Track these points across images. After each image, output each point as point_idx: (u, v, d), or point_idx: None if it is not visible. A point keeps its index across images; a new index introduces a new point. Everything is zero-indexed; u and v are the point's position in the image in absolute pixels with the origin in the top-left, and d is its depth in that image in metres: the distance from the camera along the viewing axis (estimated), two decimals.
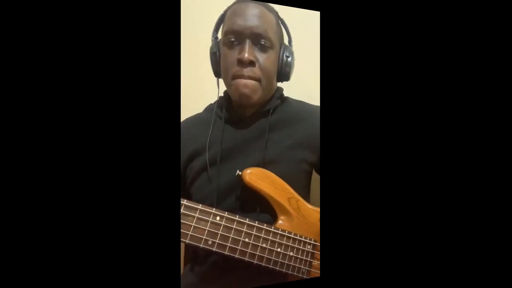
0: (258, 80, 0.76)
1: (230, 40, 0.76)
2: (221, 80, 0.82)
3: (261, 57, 0.76)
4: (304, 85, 0.97)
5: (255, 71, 0.75)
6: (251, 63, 0.74)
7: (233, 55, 0.76)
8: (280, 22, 0.82)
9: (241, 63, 0.74)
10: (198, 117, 0.88)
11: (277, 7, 0.82)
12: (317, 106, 0.86)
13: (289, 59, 0.80)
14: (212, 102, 0.89)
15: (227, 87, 0.81)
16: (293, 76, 0.85)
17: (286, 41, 0.84)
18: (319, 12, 0.63)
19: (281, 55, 0.80)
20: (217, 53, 0.80)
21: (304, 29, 0.97)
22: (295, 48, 0.84)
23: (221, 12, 0.81)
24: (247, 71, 0.74)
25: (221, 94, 0.85)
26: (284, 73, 0.81)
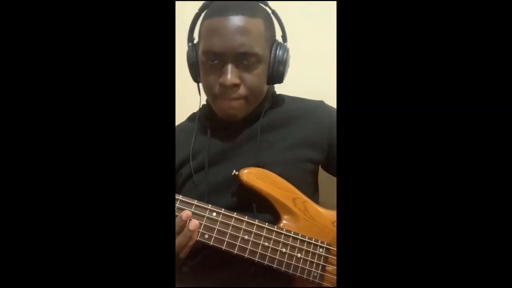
0: (243, 98, 0.71)
1: (210, 60, 0.69)
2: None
3: (247, 75, 0.70)
4: (320, 81, 0.96)
5: (240, 92, 0.70)
6: (235, 86, 0.69)
7: (213, 75, 0.70)
8: (271, 14, 0.74)
9: (224, 86, 0.68)
10: (182, 126, 0.85)
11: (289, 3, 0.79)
12: (319, 101, 0.82)
13: (283, 59, 0.73)
14: (196, 109, 0.85)
15: (210, 103, 0.76)
16: (308, 73, 0.82)
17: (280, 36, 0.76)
18: (335, 2, 0.55)
19: (271, 59, 0.72)
20: (196, 62, 0.74)
21: (319, 22, 0.97)
22: (309, 43, 0.80)
23: (195, 12, 0.74)
24: (230, 93, 0.69)
25: (204, 102, 0.81)
26: (276, 76, 0.74)
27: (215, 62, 0.69)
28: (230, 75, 0.67)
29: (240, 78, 0.69)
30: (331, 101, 0.82)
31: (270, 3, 0.76)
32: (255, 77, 0.71)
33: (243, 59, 0.68)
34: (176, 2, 0.58)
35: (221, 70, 0.69)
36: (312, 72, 1.03)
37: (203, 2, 0.74)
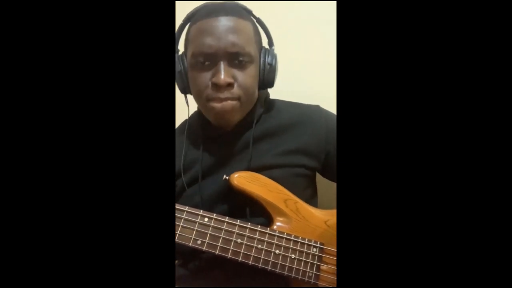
0: (237, 99, 0.69)
1: (200, 62, 0.68)
2: (189, 96, 0.75)
3: (239, 75, 0.68)
4: (319, 85, 0.96)
5: (233, 91, 0.68)
6: (229, 85, 0.67)
7: (205, 77, 0.68)
8: (256, 22, 0.75)
9: (217, 86, 0.67)
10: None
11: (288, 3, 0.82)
12: (315, 106, 0.80)
13: (272, 64, 0.73)
14: (187, 117, 0.83)
15: (201, 108, 0.75)
16: (306, 76, 0.83)
17: (266, 43, 0.77)
18: (335, 2, 0.54)
19: (261, 63, 0.72)
20: (182, 71, 0.72)
21: (318, 23, 0.98)
22: (309, 44, 0.82)
23: (180, 21, 0.74)
24: (224, 93, 0.67)
25: (191, 110, 0.80)
26: (267, 81, 0.73)
27: (206, 63, 0.68)
28: (224, 74, 0.66)
29: (233, 77, 0.68)
30: (329, 103, 0.81)
31: (268, 4, 0.77)
32: (248, 77, 0.70)
33: (235, 59, 0.68)
34: (176, 2, 0.57)
35: (213, 71, 0.68)
36: (310, 75, 1.03)
37: (197, 6, 0.74)
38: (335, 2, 0.55)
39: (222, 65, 0.67)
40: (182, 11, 0.73)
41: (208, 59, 0.68)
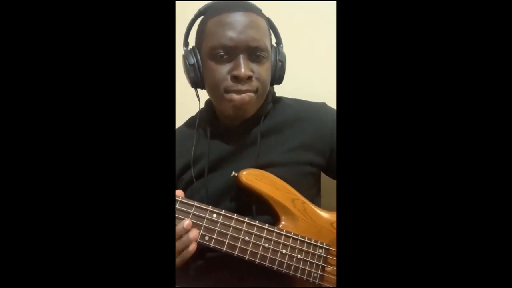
0: (255, 91, 0.70)
1: (219, 55, 0.69)
2: (200, 91, 0.77)
3: (257, 69, 0.70)
4: (320, 83, 0.97)
5: (252, 84, 0.69)
6: (248, 78, 0.68)
7: (223, 69, 0.69)
8: (267, 22, 0.76)
9: (237, 79, 0.68)
10: (180, 131, 0.84)
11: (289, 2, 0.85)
12: (321, 104, 0.82)
13: (283, 62, 0.76)
14: (194, 114, 0.85)
15: (216, 101, 0.74)
16: (307, 74, 0.87)
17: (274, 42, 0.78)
18: (335, 2, 0.56)
19: (273, 60, 0.75)
20: (195, 64, 0.73)
21: (318, 22, 0.99)
22: (308, 44, 0.86)
23: (191, 16, 0.75)
24: (244, 86, 0.68)
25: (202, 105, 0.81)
26: (278, 77, 0.76)
27: (225, 56, 0.69)
28: (244, 67, 0.67)
29: (252, 71, 0.70)
30: (331, 103, 0.82)
31: (268, 4, 0.78)
32: (264, 71, 0.72)
33: (254, 53, 0.69)
34: (176, 2, 0.58)
35: (232, 64, 0.69)
36: (311, 74, 1.03)
37: (203, 2, 0.75)
38: (335, 2, 0.55)
39: (241, 59, 0.68)
40: (182, 11, 0.75)
41: (228, 52, 0.69)
